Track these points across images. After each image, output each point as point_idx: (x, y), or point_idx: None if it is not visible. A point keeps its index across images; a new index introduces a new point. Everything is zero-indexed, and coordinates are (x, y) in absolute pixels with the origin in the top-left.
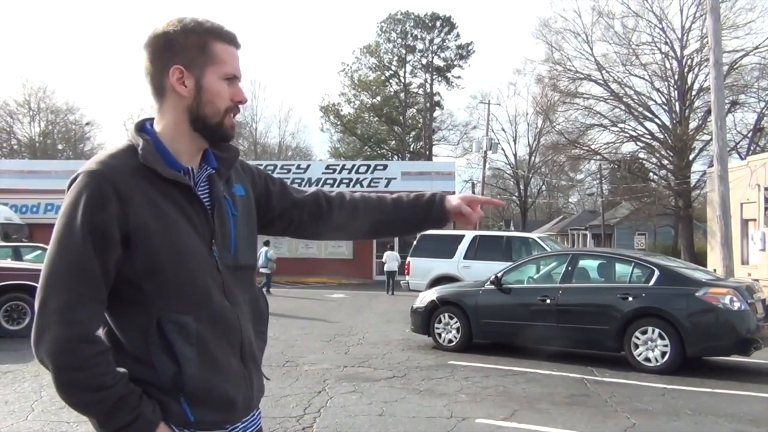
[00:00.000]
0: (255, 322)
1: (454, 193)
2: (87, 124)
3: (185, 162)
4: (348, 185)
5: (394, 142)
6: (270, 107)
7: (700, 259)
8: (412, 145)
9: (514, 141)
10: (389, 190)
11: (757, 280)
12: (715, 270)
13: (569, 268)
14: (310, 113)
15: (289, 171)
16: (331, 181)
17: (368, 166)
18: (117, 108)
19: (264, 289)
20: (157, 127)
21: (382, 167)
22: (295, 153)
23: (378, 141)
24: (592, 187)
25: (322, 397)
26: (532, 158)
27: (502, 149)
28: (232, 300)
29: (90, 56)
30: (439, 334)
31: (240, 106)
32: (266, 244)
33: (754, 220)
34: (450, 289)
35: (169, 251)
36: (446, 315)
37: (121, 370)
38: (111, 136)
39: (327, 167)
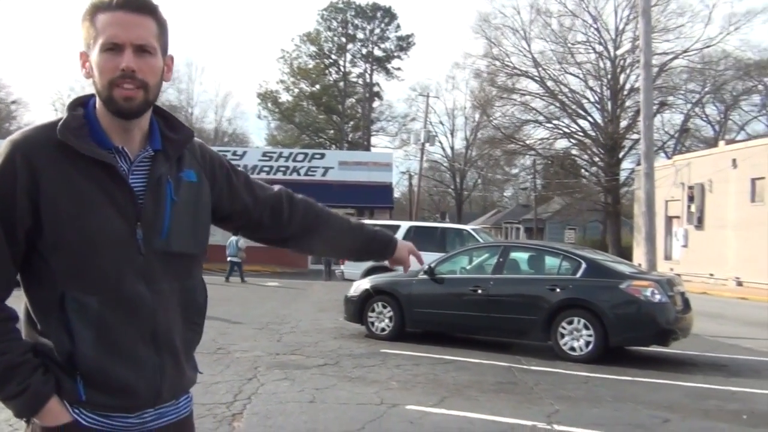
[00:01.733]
0: (186, 313)
1: (391, 184)
2: (13, 102)
3: (117, 141)
4: (285, 173)
5: (332, 131)
6: (207, 92)
7: (626, 253)
8: (350, 135)
9: (452, 134)
10: (326, 180)
11: (678, 275)
12: (639, 264)
13: (501, 260)
14: (248, 99)
15: (224, 157)
16: (267, 169)
17: (306, 155)
18: (46, 87)
19: (232, 278)
20: (97, 102)
21: (319, 156)
22: (232, 139)
23: (316, 130)
24: (526, 182)
25: (253, 384)
26: (469, 152)
27: (440, 142)
28: (154, 287)
29: (18, 33)
30: (372, 323)
31: (136, 74)
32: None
33: (678, 217)
34: (383, 278)
35: (77, 230)
36: (379, 304)
37: (25, 340)
38: (38, 116)
39: (264, 154)
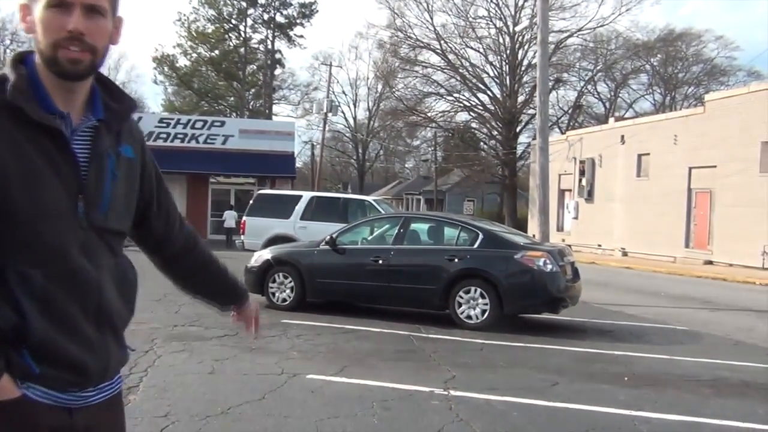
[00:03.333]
0: (121, 292)
1: (293, 153)
2: None
3: (61, 105)
4: (183, 140)
5: (232, 98)
6: None
7: (522, 225)
8: (251, 103)
9: (354, 104)
10: (226, 148)
11: (569, 246)
12: (534, 235)
13: (401, 231)
14: (144, 63)
15: None
16: (164, 136)
17: (205, 122)
18: None
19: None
20: (37, 59)
21: (219, 123)
22: None
23: (216, 96)
24: (427, 154)
25: (149, 356)
26: (372, 122)
27: (342, 112)
28: (96, 262)
29: None
30: (273, 294)
31: (84, 38)
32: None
33: (570, 190)
34: (284, 248)
35: (24, 200)
36: (280, 274)
37: None
38: None
39: (160, 121)
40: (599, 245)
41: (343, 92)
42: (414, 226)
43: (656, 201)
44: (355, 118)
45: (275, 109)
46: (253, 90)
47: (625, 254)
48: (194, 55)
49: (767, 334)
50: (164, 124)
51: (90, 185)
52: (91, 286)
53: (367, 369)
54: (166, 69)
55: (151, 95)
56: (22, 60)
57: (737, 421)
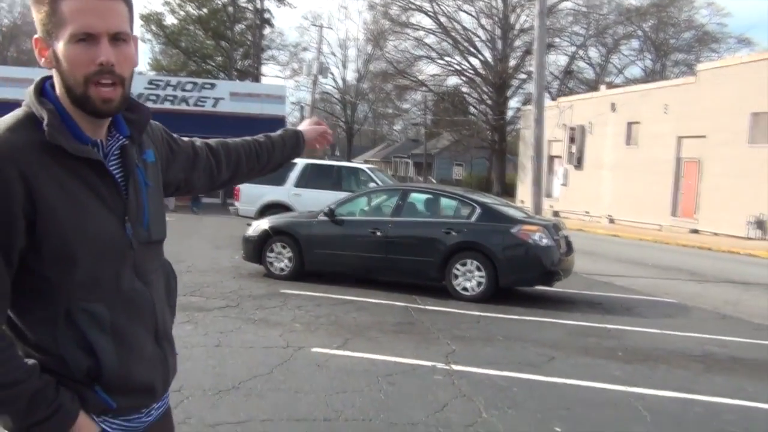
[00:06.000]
0: (168, 297)
1: (284, 117)
2: None
3: (90, 132)
4: (173, 102)
5: (221, 58)
6: None
7: (510, 190)
8: (239, 63)
9: (344, 66)
10: (217, 111)
11: (557, 213)
12: (522, 201)
13: (399, 203)
14: None
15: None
16: (154, 98)
17: (195, 84)
18: None
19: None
20: (58, 90)
21: (209, 86)
22: None
23: (204, 56)
24: (417, 117)
25: None
26: (361, 84)
27: (331, 73)
28: (145, 279)
29: None
30: (271, 263)
31: (114, 69)
32: None
33: (560, 157)
34: (283, 219)
35: (79, 236)
36: (279, 244)
37: (31, 361)
38: None
39: (150, 82)
40: (587, 212)
41: (333, 53)
42: (412, 198)
43: (645, 169)
44: (344, 80)
45: (263, 69)
46: (241, 50)
47: (612, 221)
48: (182, 13)
49: (753, 308)
50: (154, 86)
51: (132, 205)
52: (148, 305)
53: (368, 342)
54: (153, 27)
55: (138, 54)
56: (41, 90)
57: (727, 397)
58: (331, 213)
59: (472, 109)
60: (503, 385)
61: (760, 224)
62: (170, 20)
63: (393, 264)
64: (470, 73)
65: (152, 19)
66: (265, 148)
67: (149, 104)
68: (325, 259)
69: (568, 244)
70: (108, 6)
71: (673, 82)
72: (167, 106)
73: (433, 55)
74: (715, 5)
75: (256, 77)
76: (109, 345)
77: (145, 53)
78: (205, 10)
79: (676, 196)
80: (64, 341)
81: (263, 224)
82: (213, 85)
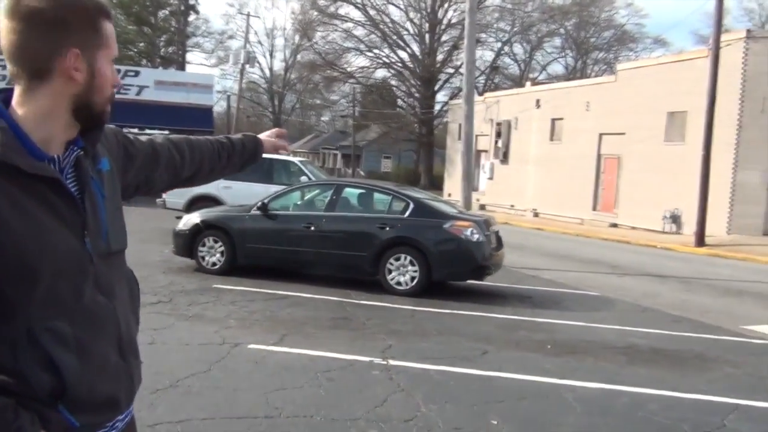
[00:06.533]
0: (132, 306)
1: (211, 107)
2: None
3: (53, 150)
4: None
5: (143, 44)
6: None
7: (437, 183)
8: (163, 50)
9: (271, 55)
10: (141, 99)
11: (484, 206)
12: (450, 195)
13: (333, 197)
14: None
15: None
16: None
17: (118, 71)
18: None
19: None
20: (20, 109)
21: (133, 73)
22: None
23: (125, 41)
24: (345, 109)
25: None
26: (288, 74)
27: (258, 63)
28: (108, 291)
29: None
30: (203, 257)
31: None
32: None
33: (486, 151)
34: (214, 212)
35: (38, 253)
36: (210, 239)
37: None
38: None
39: None
40: (512, 205)
41: (259, 42)
42: (346, 193)
43: (568, 165)
44: (271, 69)
45: (188, 56)
46: (165, 36)
47: (536, 215)
48: None
49: (671, 300)
50: None
51: (89, 219)
52: (111, 318)
53: (305, 338)
54: None
55: None
56: None
57: (650, 388)
58: (264, 207)
59: (400, 102)
60: (440, 379)
61: (674, 219)
62: None
63: (327, 258)
64: (398, 66)
65: None
66: (226, 150)
67: None
68: (258, 253)
69: (499, 240)
70: None
71: (594, 81)
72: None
73: (362, 47)
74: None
75: (181, 65)
76: (74, 362)
77: None
78: None
79: (597, 191)
80: (27, 361)
81: (194, 218)
82: (137, 73)
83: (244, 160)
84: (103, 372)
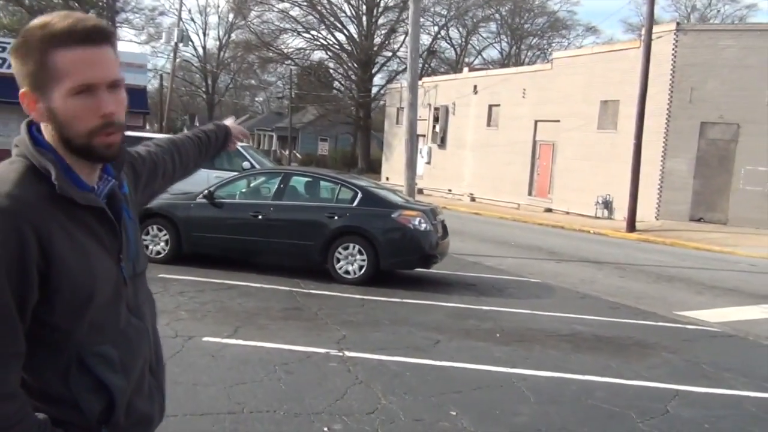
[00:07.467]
0: (154, 321)
1: (146, 88)
2: None
3: (86, 178)
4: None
5: None
6: None
7: (374, 166)
8: None
9: (204, 33)
10: None
11: (421, 190)
12: (387, 179)
13: (281, 186)
14: None
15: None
16: (0, 62)
17: None
18: None
19: None
20: (47, 137)
21: None
22: None
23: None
24: (281, 91)
25: None
26: (222, 53)
27: (191, 41)
28: (138, 312)
29: None
30: (147, 246)
31: (115, 118)
32: None
33: (424, 135)
34: (158, 201)
35: (89, 284)
36: (155, 227)
37: (42, 416)
38: None
39: None
40: (449, 190)
41: (192, 19)
42: (294, 182)
43: (504, 150)
44: (204, 48)
45: (117, 33)
46: (93, 11)
47: (473, 200)
48: None
49: (607, 287)
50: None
51: (124, 243)
52: (144, 338)
53: (259, 330)
54: None
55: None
56: (33, 138)
57: (596, 375)
58: (210, 195)
59: (337, 85)
60: (397, 370)
61: (606, 204)
62: None
63: (275, 247)
64: (336, 48)
65: None
66: (204, 144)
67: None
68: (204, 242)
69: (444, 228)
70: (101, 55)
71: (530, 68)
72: (4, 70)
73: (299, 28)
74: None
75: None
76: (123, 383)
77: None
78: None
79: (533, 176)
80: (78, 387)
81: None
82: None
83: (217, 148)
84: (140, 391)
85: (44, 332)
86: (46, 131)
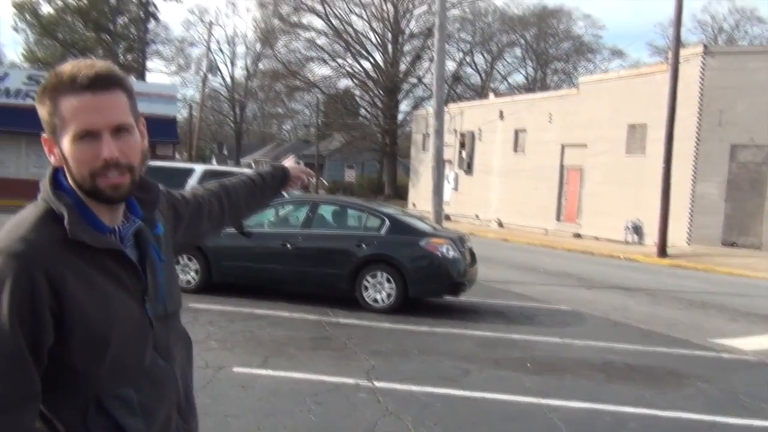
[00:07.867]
0: (189, 365)
1: (175, 117)
2: None
3: (107, 220)
4: None
5: (102, 51)
6: None
7: (401, 192)
8: (122, 57)
9: (232, 63)
10: None
11: (448, 216)
12: (414, 205)
13: (309, 215)
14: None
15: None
16: (35, 95)
17: None
18: None
19: None
20: (71, 181)
21: None
22: None
23: (83, 49)
24: (308, 119)
25: None
26: (249, 82)
27: (219, 70)
28: (166, 354)
29: None
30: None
31: (120, 161)
32: None
33: (450, 161)
34: None
35: (107, 326)
36: (185, 256)
37: None
38: None
39: (29, 78)
40: (477, 216)
41: (220, 49)
42: (322, 210)
43: (531, 175)
44: (232, 77)
45: (148, 64)
46: (124, 43)
47: (500, 225)
48: (59, 2)
49: (639, 314)
50: (34, 82)
51: (149, 284)
52: (170, 381)
53: (288, 360)
54: (27, 16)
55: (11, 43)
56: (56, 182)
57: (630, 406)
58: (239, 225)
59: (363, 112)
60: (426, 401)
61: (636, 229)
62: (46, 9)
63: (303, 276)
64: (362, 76)
65: (26, 8)
66: (259, 185)
67: (28, 101)
68: (233, 271)
69: (472, 256)
70: (107, 101)
71: (557, 93)
72: None
73: (325, 56)
74: (592, 18)
75: (141, 72)
76: (141, 427)
77: (18, 43)
78: (85, 0)
79: (560, 201)
80: (96, 429)
81: None
82: None
83: (275, 190)
84: None
85: (62, 372)
86: (68, 175)
